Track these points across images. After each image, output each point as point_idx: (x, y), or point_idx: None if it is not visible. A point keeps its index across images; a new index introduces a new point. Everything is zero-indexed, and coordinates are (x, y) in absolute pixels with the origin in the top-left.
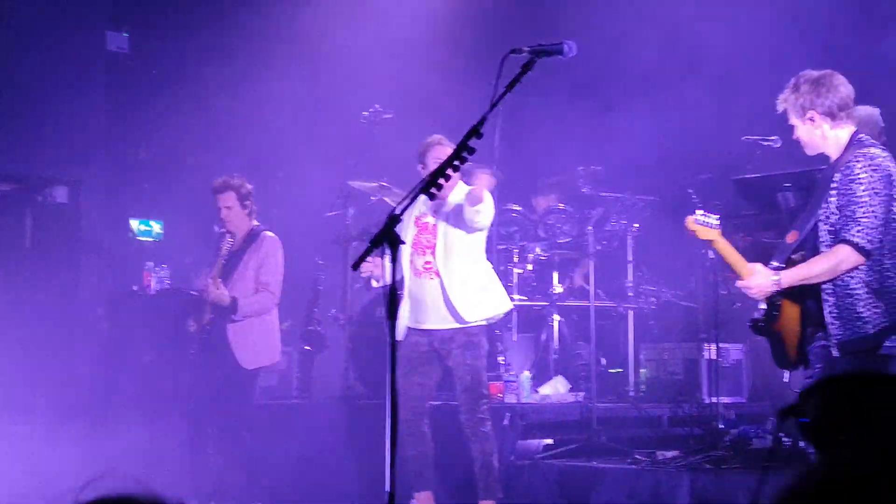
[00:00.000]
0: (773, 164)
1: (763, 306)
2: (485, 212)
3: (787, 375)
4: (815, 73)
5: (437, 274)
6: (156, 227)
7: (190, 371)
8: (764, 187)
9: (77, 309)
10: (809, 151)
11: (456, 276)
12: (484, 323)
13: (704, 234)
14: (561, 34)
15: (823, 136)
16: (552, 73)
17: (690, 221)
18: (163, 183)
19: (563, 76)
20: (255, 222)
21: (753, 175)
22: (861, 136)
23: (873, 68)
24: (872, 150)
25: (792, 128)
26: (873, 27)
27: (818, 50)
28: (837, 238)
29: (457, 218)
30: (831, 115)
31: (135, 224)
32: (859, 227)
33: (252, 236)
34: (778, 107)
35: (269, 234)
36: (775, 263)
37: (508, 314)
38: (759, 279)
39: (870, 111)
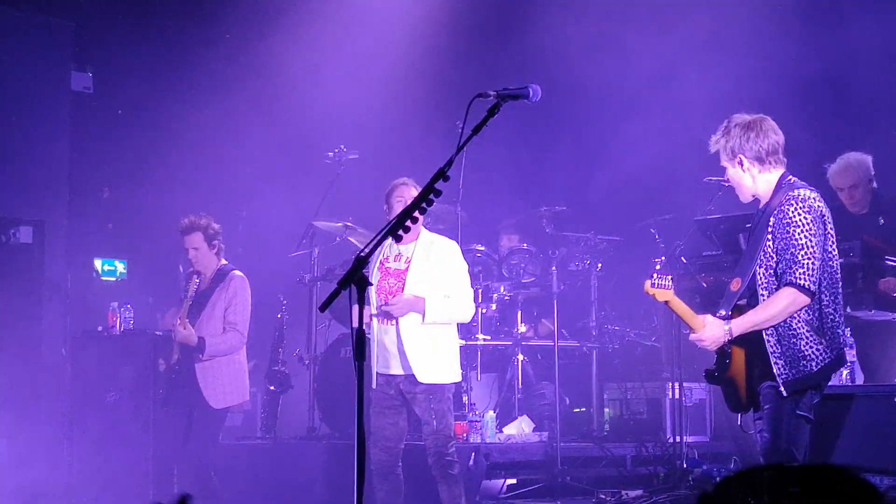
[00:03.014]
0: (734, 206)
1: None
2: (463, 315)
3: (739, 418)
4: (746, 118)
5: (395, 321)
6: (119, 266)
7: (158, 410)
8: (725, 228)
9: (41, 349)
10: (742, 197)
11: (414, 330)
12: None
13: (662, 295)
14: (524, 76)
15: (753, 179)
16: (518, 112)
17: (648, 286)
18: (127, 223)
19: (528, 117)
20: (224, 261)
21: (715, 216)
22: (790, 178)
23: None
24: (803, 191)
25: (724, 169)
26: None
27: (779, 89)
28: (781, 282)
29: (425, 280)
30: (760, 160)
31: (99, 264)
32: (803, 270)
33: (220, 276)
34: (710, 148)
35: (238, 273)
36: (723, 312)
37: (473, 354)
38: (712, 330)
39: (860, 158)
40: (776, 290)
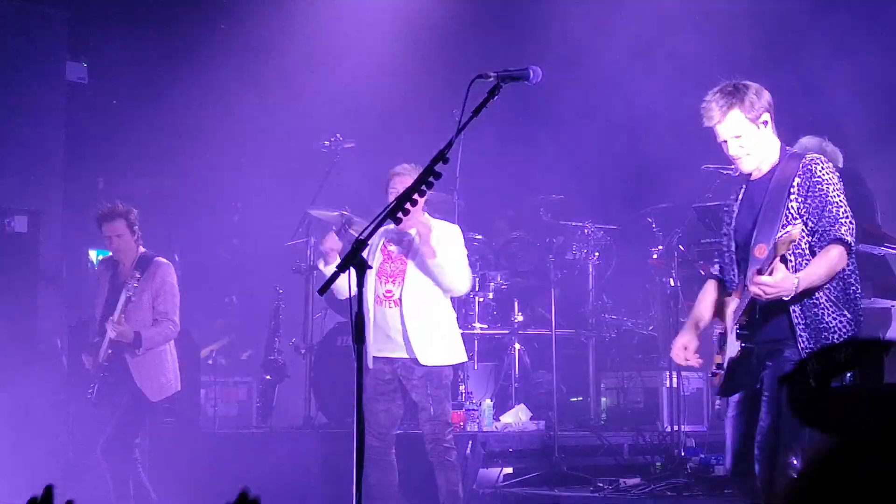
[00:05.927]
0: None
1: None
2: (461, 280)
3: (717, 402)
4: (734, 82)
5: (398, 303)
6: None
7: (92, 409)
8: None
9: (36, 338)
10: (754, 161)
11: (417, 312)
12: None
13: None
14: (522, 61)
15: (767, 140)
16: (513, 99)
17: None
18: None
19: (524, 103)
20: (142, 248)
21: (713, 203)
22: (787, 146)
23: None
24: (818, 154)
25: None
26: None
27: (778, 76)
28: (826, 238)
29: (423, 258)
30: (772, 117)
31: (93, 254)
32: (846, 227)
33: (143, 263)
34: (718, 117)
35: (162, 260)
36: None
37: (470, 343)
38: (785, 279)
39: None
40: (814, 250)
